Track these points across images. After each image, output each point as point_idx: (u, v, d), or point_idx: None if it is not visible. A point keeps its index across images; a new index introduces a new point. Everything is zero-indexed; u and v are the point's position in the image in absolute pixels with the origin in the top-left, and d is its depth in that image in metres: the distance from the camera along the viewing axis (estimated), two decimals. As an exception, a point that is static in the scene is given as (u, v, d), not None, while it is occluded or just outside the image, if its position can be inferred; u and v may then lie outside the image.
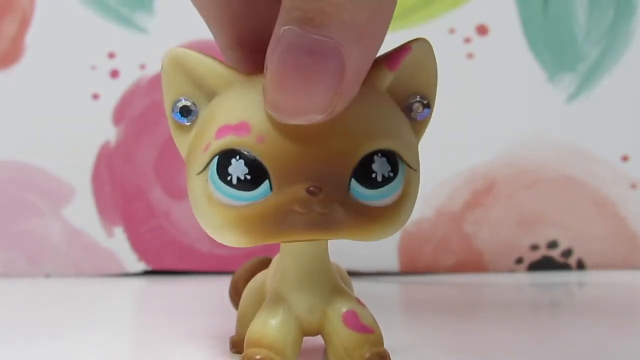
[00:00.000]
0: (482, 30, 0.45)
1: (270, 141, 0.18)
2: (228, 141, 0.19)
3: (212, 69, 0.20)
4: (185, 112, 0.20)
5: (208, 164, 0.19)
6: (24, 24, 0.46)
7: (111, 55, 0.46)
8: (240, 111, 0.19)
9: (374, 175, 0.19)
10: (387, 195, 0.19)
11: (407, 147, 0.19)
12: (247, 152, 0.18)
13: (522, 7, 0.45)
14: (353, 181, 0.19)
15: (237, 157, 0.19)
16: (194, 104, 0.20)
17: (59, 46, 0.46)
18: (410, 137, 0.20)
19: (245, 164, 0.18)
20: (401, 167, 0.19)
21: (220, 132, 0.19)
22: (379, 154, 0.19)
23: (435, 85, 0.21)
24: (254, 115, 0.19)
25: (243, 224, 0.19)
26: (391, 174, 0.19)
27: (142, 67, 0.46)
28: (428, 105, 0.20)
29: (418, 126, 0.21)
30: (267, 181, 0.18)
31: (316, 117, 0.18)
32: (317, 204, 0.18)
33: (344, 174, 0.18)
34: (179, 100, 0.20)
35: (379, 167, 0.19)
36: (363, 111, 0.19)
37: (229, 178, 0.19)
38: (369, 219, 0.19)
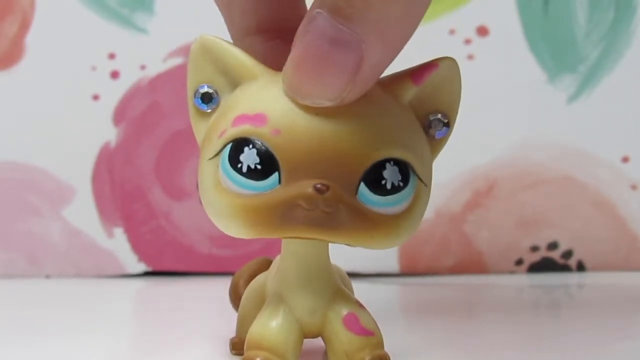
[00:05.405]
0: (482, 31, 0.45)
1: (285, 135, 0.18)
2: (244, 130, 0.19)
3: (239, 59, 0.20)
4: (207, 98, 0.20)
5: (221, 150, 0.19)
6: (24, 24, 0.46)
7: (111, 56, 0.46)
8: (259, 103, 0.19)
9: (383, 182, 0.19)
10: (395, 204, 0.19)
11: (421, 161, 0.20)
12: (261, 142, 0.18)
13: (523, 8, 0.45)
14: (362, 185, 0.19)
15: (250, 146, 0.19)
16: (216, 92, 0.20)
17: (59, 47, 0.46)
18: (425, 153, 0.20)
19: (258, 154, 0.18)
20: (412, 179, 0.19)
21: (237, 121, 0.19)
22: (392, 162, 0.19)
23: (458, 105, 0.21)
24: (272, 108, 0.19)
25: (247, 214, 0.19)
26: (401, 184, 0.19)
27: (143, 67, 0.46)
28: (447, 124, 0.21)
29: (435, 144, 0.21)
30: (276, 173, 0.18)
31: (324, 103, 0.18)
32: (322, 202, 0.18)
33: (354, 176, 0.18)
34: (202, 87, 0.20)
35: (390, 174, 0.19)
36: (381, 118, 0.19)
37: (239, 166, 0.19)
38: (372, 225, 0.19)
